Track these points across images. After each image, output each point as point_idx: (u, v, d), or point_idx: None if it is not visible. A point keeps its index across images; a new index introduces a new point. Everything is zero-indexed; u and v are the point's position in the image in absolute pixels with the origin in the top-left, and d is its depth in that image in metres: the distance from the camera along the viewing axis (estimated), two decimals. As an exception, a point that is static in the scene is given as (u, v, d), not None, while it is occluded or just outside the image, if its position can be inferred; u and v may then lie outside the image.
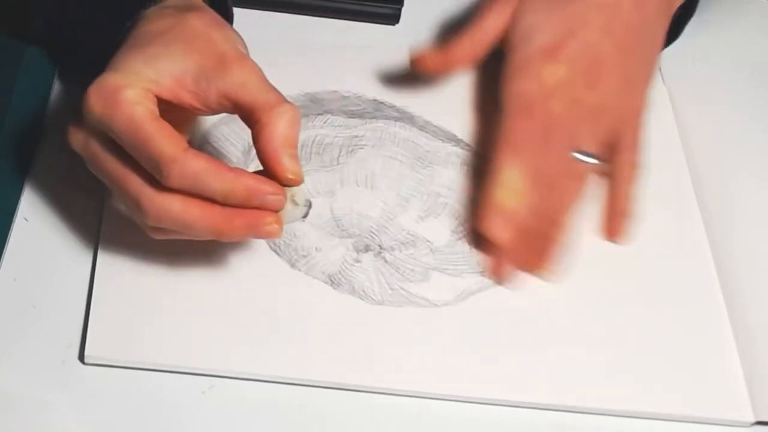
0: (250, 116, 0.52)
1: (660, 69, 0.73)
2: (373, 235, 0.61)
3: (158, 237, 0.54)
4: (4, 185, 0.61)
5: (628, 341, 0.58)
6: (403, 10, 0.74)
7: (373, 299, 0.58)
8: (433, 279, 0.60)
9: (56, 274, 0.58)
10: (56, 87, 0.66)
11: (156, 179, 0.51)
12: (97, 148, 0.53)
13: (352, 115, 0.67)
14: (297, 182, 0.52)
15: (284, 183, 0.52)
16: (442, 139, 0.67)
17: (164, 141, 0.50)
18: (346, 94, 0.68)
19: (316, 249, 0.60)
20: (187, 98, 0.53)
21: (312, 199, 0.62)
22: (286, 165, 0.51)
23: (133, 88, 0.51)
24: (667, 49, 0.72)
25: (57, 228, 0.60)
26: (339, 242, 0.60)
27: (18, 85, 0.66)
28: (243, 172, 0.51)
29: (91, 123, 0.52)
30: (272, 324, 0.56)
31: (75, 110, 0.53)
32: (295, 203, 0.52)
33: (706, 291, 0.61)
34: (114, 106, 0.51)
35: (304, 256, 0.60)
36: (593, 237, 0.63)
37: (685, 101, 0.72)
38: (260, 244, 0.60)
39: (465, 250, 0.61)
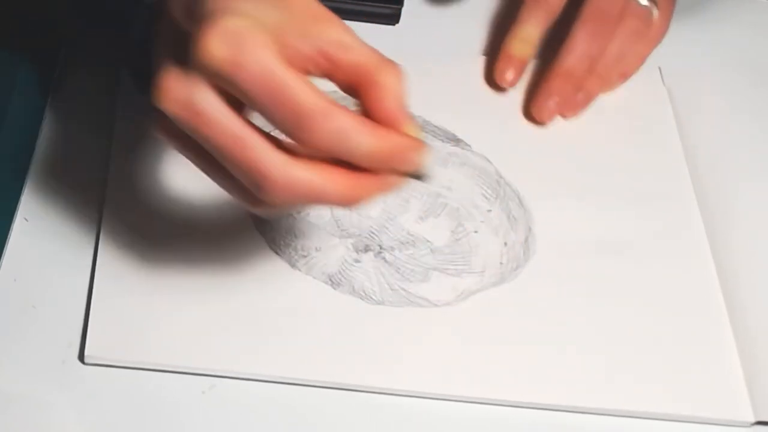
0: (350, 78, 0.47)
1: (660, 69, 0.73)
2: (373, 235, 0.61)
3: (269, 215, 0.49)
4: (4, 185, 0.61)
5: (628, 341, 0.58)
6: (403, 10, 0.74)
7: (373, 299, 0.58)
8: (433, 279, 0.60)
9: (56, 274, 0.58)
10: (57, 86, 0.66)
11: (282, 145, 0.46)
12: (205, 107, 0.45)
13: (352, 115, 0.67)
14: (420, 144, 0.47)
15: None
16: (442, 139, 0.67)
17: (308, 91, 0.44)
18: (346, 95, 0.68)
19: (316, 249, 0.60)
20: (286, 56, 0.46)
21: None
22: (408, 126, 0.47)
23: (263, 34, 0.45)
24: (666, 49, 0.72)
25: (57, 228, 0.60)
26: (339, 242, 0.60)
27: (18, 84, 0.66)
28: (388, 129, 0.47)
29: (206, 73, 0.45)
30: (272, 324, 0.56)
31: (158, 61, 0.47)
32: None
33: (706, 291, 0.61)
34: (244, 51, 0.44)
35: (304, 256, 0.60)
36: (593, 238, 0.63)
37: (685, 101, 0.72)
38: (260, 244, 0.60)
39: (465, 250, 0.61)
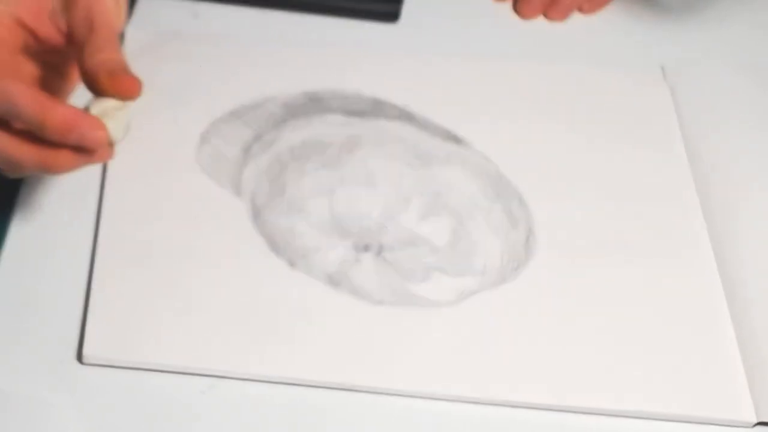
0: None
1: (662, 68, 0.73)
2: (373, 235, 0.61)
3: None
4: (3, 185, 0.61)
5: (628, 341, 0.58)
6: (403, 8, 0.74)
7: (373, 299, 0.58)
8: (433, 279, 0.59)
9: (55, 274, 0.58)
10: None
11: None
12: None
13: (352, 113, 0.67)
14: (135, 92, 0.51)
15: (119, 92, 0.51)
16: (442, 138, 0.66)
17: None
18: (345, 93, 0.68)
19: (316, 249, 0.60)
20: (46, 25, 0.53)
21: (312, 199, 0.62)
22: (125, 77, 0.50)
23: None
24: (669, 49, 0.72)
25: (57, 228, 0.60)
26: (339, 242, 0.60)
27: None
28: (62, 103, 0.50)
29: None
30: (272, 324, 0.56)
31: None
32: (121, 121, 0.51)
33: (708, 291, 0.61)
34: None
35: (304, 256, 0.59)
36: (594, 237, 0.63)
37: (687, 100, 0.72)
38: (260, 244, 0.60)
39: (465, 250, 0.61)
